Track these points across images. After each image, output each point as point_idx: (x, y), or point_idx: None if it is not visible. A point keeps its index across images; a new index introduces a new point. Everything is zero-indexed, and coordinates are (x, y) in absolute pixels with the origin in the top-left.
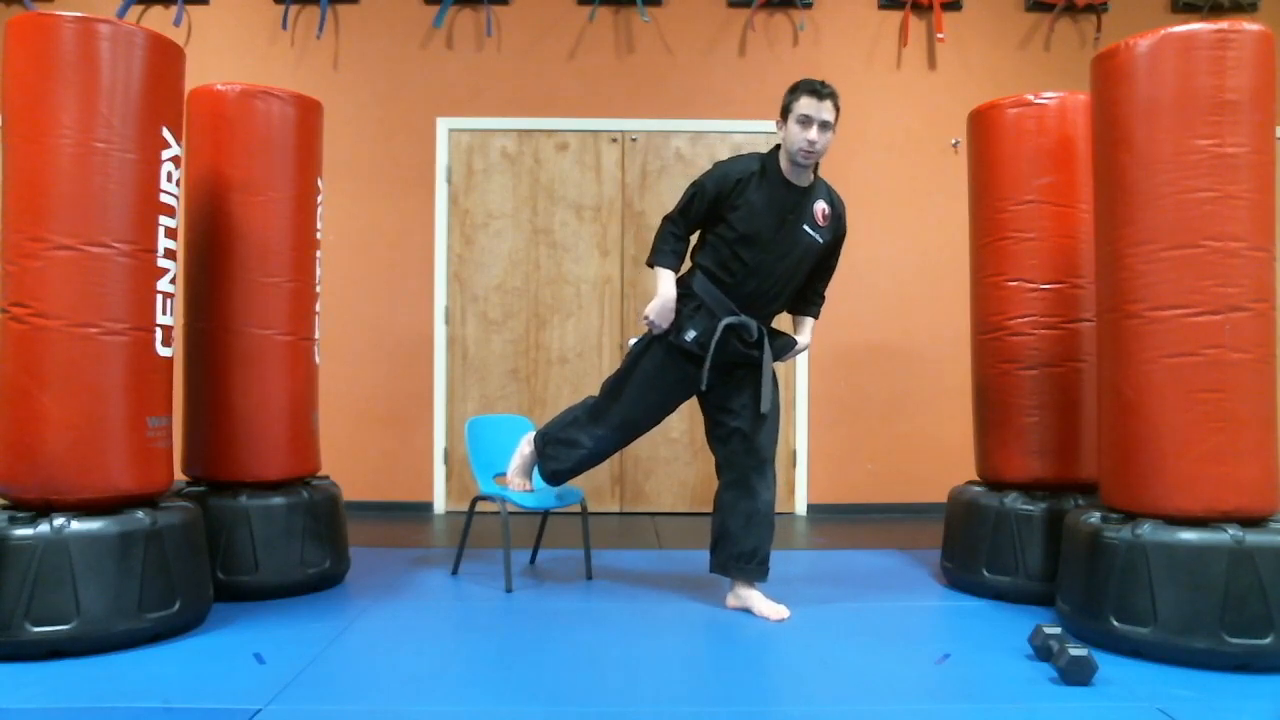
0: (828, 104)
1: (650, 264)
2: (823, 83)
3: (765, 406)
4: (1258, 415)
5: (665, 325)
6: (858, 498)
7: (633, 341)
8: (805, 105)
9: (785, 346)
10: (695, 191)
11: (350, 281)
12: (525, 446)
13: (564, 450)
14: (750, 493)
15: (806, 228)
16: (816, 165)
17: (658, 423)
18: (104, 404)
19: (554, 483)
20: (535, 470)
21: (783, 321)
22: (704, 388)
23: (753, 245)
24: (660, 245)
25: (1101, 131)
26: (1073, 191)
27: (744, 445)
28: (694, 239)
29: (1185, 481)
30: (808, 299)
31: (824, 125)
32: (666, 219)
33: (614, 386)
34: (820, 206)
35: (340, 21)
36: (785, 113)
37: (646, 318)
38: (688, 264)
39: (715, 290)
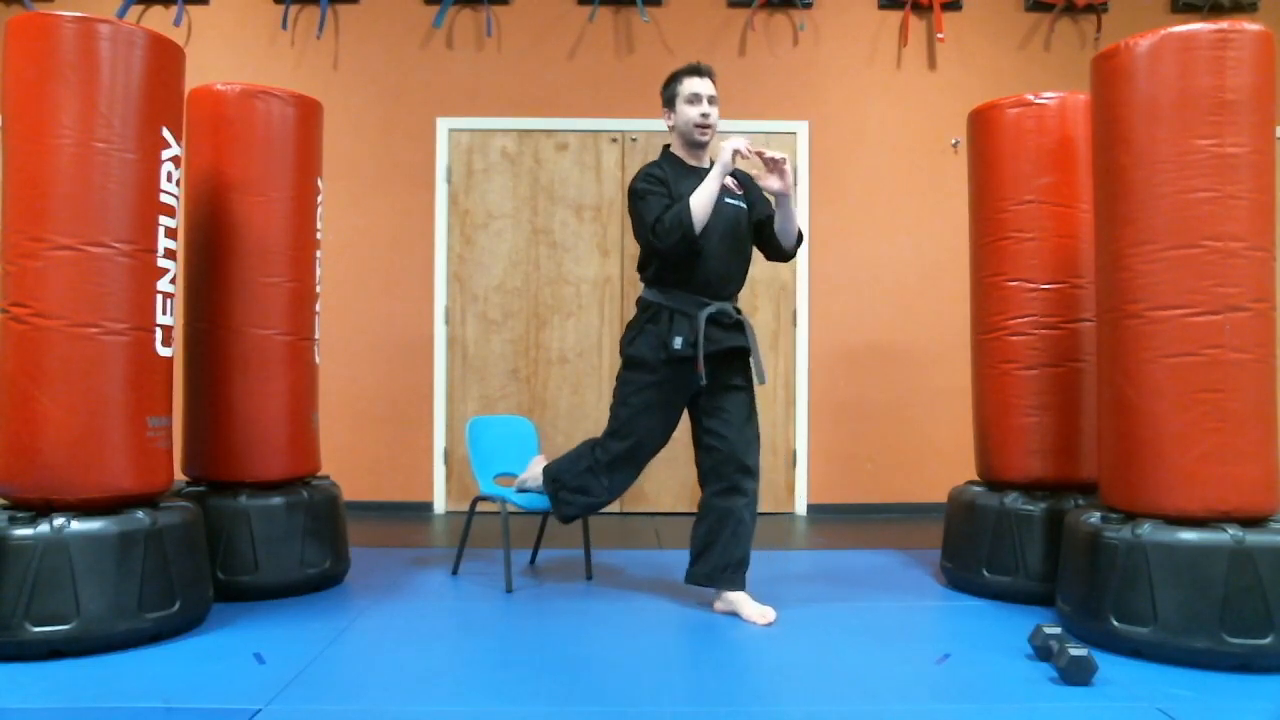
0: (708, 80)
1: (689, 224)
2: (699, 63)
3: (763, 380)
4: (1258, 415)
5: (742, 148)
6: (858, 498)
7: None
8: (691, 84)
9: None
10: (644, 190)
11: (350, 281)
12: (536, 473)
13: (579, 497)
14: (738, 501)
15: (726, 199)
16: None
17: (667, 441)
18: (104, 404)
19: (565, 522)
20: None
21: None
22: (704, 382)
23: None
24: (671, 213)
25: (1101, 131)
26: (1073, 191)
27: (730, 452)
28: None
29: (1185, 481)
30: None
31: (711, 99)
32: (651, 226)
33: (615, 428)
34: (727, 180)
35: (340, 21)
36: (671, 101)
37: (739, 151)
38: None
39: (675, 292)
